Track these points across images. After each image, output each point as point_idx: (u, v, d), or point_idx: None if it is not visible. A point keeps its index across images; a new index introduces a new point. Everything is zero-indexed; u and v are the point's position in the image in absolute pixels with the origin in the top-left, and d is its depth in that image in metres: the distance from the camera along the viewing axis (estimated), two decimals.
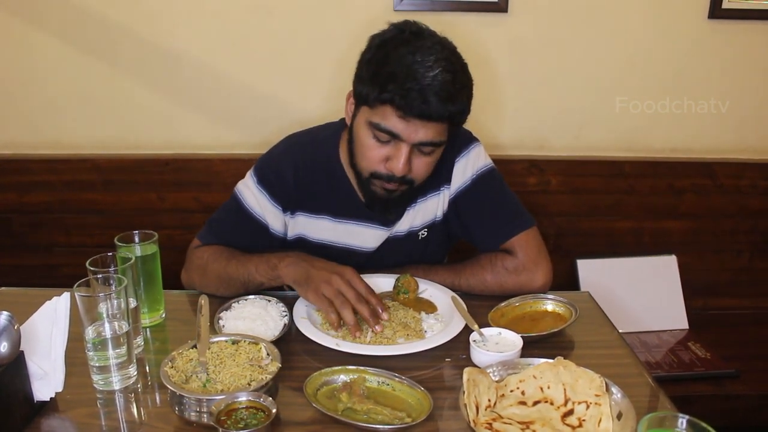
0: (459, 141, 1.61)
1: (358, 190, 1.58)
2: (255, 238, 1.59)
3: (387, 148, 1.41)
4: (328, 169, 1.60)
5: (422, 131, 1.37)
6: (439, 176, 1.59)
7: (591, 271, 2.43)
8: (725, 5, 2.33)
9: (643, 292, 2.44)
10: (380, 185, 1.47)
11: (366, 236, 1.63)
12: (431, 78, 1.32)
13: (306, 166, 1.59)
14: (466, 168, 1.61)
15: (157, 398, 1.20)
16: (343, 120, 1.62)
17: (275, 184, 1.57)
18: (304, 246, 1.62)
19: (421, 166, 1.45)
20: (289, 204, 1.59)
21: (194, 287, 1.59)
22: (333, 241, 1.63)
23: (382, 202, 1.52)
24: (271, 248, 1.58)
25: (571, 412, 1.11)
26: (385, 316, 1.35)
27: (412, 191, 1.53)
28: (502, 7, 2.30)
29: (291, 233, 1.63)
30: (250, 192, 1.59)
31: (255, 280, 1.48)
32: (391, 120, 1.37)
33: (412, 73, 1.32)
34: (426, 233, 1.67)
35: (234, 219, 1.60)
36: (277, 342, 1.29)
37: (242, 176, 1.63)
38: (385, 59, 1.36)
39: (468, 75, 1.42)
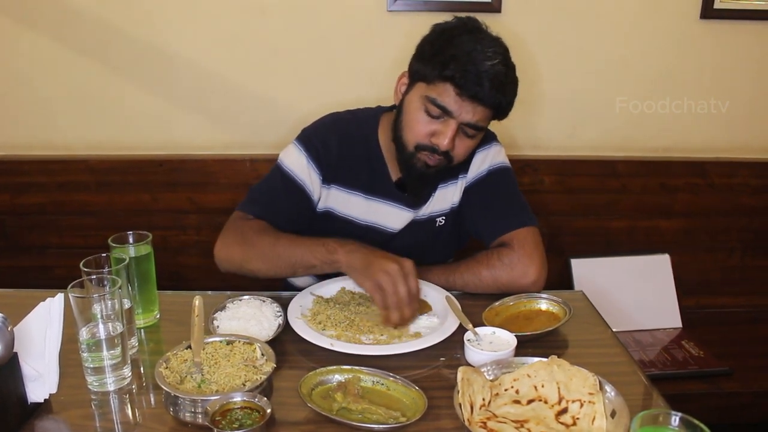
0: (483, 137, 1.65)
1: (391, 171, 1.65)
2: (298, 206, 1.62)
3: (436, 123, 1.49)
4: (366, 146, 1.66)
5: (471, 112, 1.46)
6: (459, 165, 1.63)
7: (585, 270, 2.44)
8: (717, 5, 2.35)
9: (636, 291, 2.45)
10: (422, 158, 1.53)
11: (393, 216, 1.67)
12: (489, 66, 1.42)
13: (348, 141, 1.64)
14: (484, 160, 1.68)
15: (152, 399, 1.20)
16: (379, 107, 1.72)
17: (321, 152, 1.62)
18: (330, 220, 1.66)
19: (462, 147, 1.53)
20: (328, 174, 1.63)
21: (231, 261, 1.58)
22: (360, 218, 1.67)
23: (419, 177, 1.57)
24: (309, 219, 1.64)
25: (565, 411, 1.11)
26: (411, 325, 1.42)
27: (446, 170, 1.60)
28: (495, 8, 2.30)
29: (320, 206, 1.66)
30: (294, 158, 1.62)
31: (308, 262, 1.49)
32: (447, 97, 1.45)
33: (472, 59, 1.42)
34: (443, 221, 1.72)
35: (278, 186, 1.62)
36: (272, 342, 1.29)
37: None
38: (449, 42, 1.46)
39: (516, 76, 1.52)
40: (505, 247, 1.59)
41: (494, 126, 1.55)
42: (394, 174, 1.66)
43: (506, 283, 1.56)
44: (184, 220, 2.38)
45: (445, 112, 1.47)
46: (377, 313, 1.43)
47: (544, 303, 1.49)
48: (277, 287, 1.83)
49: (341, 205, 1.66)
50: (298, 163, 1.62)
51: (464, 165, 1.66)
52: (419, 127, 1.51)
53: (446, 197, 1.70)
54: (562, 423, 1.09)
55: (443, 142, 1.48)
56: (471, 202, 1.70)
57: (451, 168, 1.61)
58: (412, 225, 1.69)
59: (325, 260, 1.47)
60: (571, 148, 2.52)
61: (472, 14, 1.53)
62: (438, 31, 1.52)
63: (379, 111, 1.71)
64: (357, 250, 1.44)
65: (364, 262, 1.41)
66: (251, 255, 1.55)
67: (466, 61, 1.41)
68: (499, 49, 1.47)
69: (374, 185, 1.66)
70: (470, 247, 1.74)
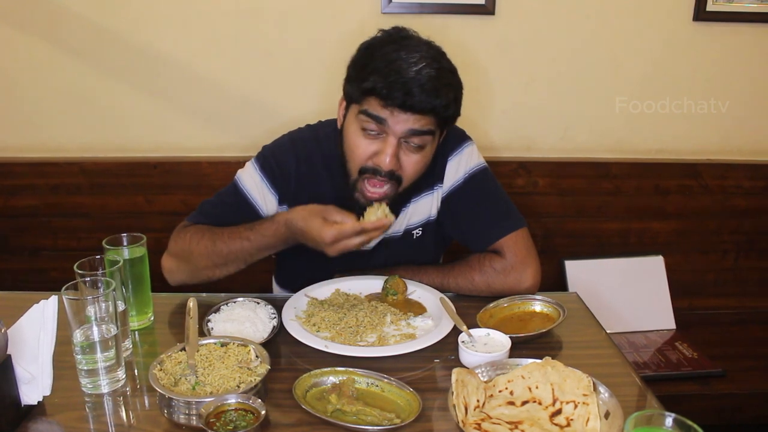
0: (452, 140, 1.62)
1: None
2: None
3: (375, 143, 1.43)
4: (328, 165, 1.60)
5: (405, 122, 1.40)
6: (433, 175, 1.60)
7: (579, 271, 2.45)
8: (709, 8, 2.37)
9: (630, 293, 2.46)
10: (362, 188, 1.47)
11: None
12: (415, 72, 1.36)
13: (307, 161, 1.60)
14: (459, 167, 1.62)
15: (146, 401, 1.19)
16: None
17: (277, 173, 1.59)
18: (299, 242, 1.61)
19: (410, 163, 1.46)
20: (287, 196, 1.60)
21: (180, 270, 1.57)
22: None
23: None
24: None
25: (559, 412, 1.11)
26: (388, 219, 1.39)
27: (402, 192, 1.52)
28: (489, 10, 2.31)
29: None
30: (250, 178, 1.59)
31: (247, 250, 1.49)
32: (375, 109, 1.40)
33: (395, 69, 1.36)
34: (420, 232, 1.67)
35: (230, 203, 1.60)
36: (266, 344, 1.29)
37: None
38: (370, 57, 1.41)
39: (455, 76, 1.45)
40: (498, 254, 1.57)
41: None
42: None
43: (500, 289, 1.55)
44: (178, 223, 2.36)
45: (380, 123, 1.40)
46: (372, 315, 1.44)
47: (538, 305, 1.49)
48: (272, 290, 1.83)
49: None
50: (252, 183, 1.59)
51: (438, 174, 1.62)
52: (359, 151, 1.45)
53: (421, 209, 1.65)
54: (556, 424, 1.09)
55: (385, 161, 1.42)
56: (453, 212, 1.64)
57: (425, 178, 1.56)
58: (387, 241, 1.65)
59: (279, 237, 1.48)
60: (565, 150, 2.53)
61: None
62: (362, 48, 1.46)
63: None
64: (295, 237, 1.44)
65: (316, 246, 1.42)
66: (193, 264, 1.54)
67: (388, 72, 1.35)
68: (427, 53, 1.40)
69: (339, 205, 1.57)
70: (461, 250, 1.72)
